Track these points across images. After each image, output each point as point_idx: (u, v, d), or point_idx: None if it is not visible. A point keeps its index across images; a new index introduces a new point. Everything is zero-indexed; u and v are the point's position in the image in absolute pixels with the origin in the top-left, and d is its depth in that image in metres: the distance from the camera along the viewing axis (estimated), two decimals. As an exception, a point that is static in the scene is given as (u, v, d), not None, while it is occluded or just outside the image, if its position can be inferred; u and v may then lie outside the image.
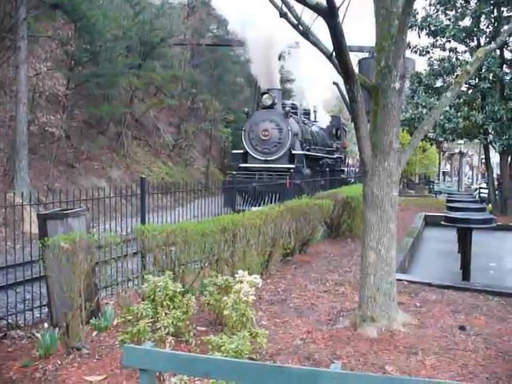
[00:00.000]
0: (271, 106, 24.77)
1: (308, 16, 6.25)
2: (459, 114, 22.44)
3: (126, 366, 4.20)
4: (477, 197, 27.68)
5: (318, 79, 34.53)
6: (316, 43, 6.82)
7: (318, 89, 36.07)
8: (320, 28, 6.56)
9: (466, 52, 23.66)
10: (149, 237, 7.50)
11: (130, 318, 6.20)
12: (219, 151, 42.48)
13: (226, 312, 6.22)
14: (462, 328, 7.19)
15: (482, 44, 22.34)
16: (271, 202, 18.18)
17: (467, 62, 14.05)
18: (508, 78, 22.12)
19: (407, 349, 6.40)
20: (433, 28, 22.97)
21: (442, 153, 51.63)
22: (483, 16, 22.30)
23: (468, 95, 23.40)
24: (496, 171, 31.56)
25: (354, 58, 27.52)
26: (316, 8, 5.74)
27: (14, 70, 20.54)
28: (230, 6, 28.37)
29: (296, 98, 33.92)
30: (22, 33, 19.62)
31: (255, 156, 24.43)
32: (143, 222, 9.64)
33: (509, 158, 24.02)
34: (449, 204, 16.21)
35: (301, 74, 34.12)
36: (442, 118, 21.58)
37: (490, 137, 22.95)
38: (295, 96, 35.65)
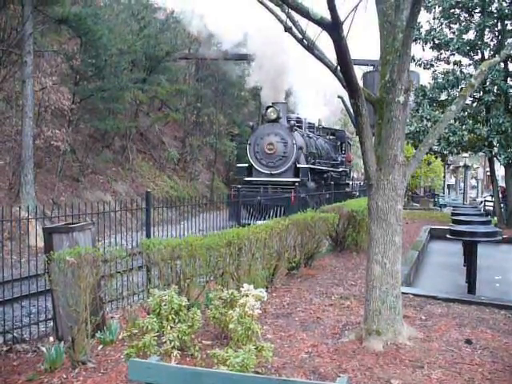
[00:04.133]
0: (276, 120, 24.85)
1: (313, 30, 6.29)
2: (464, 127, 22.46)
3: (132, 380, 4.19)
4: (482, 210, 27.63)
5: (318, 93, 34.68)
6: (321, 57, 6.85)
7: (319, 102, 36.21)
8: (324, 42, 6.61)
9: (470, 65, 23.75)
10: (154, 251, 7.51)
11: (136, 331, 6.21)
12: (224, 165, 42.55)
13: (231, 326, 6.22)
14: (468, 342, 7.16)
15: (486, 57, 22.39)
16: (276, 216, 18.19)
17: (471, 75, 14.09)
18: (512, 90, 22.17)
19: (413, 362, 6.38)
20: (437, 41, 23.08)
21: (446, 166, 51.58)
22: (487, 29, 22.39)
23: (473, 108, 23.44)
24: (501, 184, 31.52)
25: (359, 72, 27.60)
26: (320, 22, 5.77)
27: (20, 85, 20.66)
28: (236, 20, 28.51)
29: (300, 112, 33.98)
30: (28, 47, 19.75)
31: (260, 170, 24.49)
32: (148, 235, 9.66)
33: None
34: (454, 217, 16.20)
35: (303, 88, 34.22)
36: (446, 131, 21.61)
37: (495, 149, 22.96)
38: (300, 109, 35.71)
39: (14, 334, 7.86)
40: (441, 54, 23.88)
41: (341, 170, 34.49)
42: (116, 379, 5.87)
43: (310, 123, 31.02)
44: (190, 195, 25.20)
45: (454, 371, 6.13)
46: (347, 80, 6.51)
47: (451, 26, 23.42)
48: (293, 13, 6.51)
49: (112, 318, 8.18)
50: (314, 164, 26.87)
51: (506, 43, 21.38)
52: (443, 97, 24.03)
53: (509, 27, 22.33)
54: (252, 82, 34.34)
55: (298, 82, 32.60)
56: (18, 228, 13.11)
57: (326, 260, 13.50)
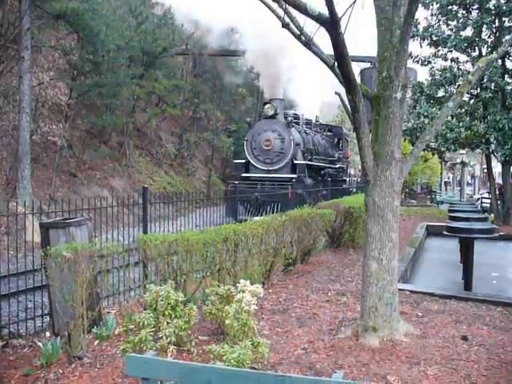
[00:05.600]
0: (273, 116, 24.84)
1: (310, 26, 6.28)
2: (461, 123, 22.47)
3: (128, 375, 4.20)
4: (479, 207, 27.65)
5: (315, 90, 34.62)
6: (318, 54, 6.84)
7: (316, 99, 36.16)
8: (322, 38, 6.60)
9: (467, 62, 23.70)
10: (151, 246, 7.50)
11: (132, 327, 6.21)
12: (221, 161, 42.53)
13: (227, 321, 6.22)
14: (465, 338, 7.18)
15: (484, 54, 22.37)
16: (273, 212, 18.16)
17: (469, 72, 14.09)
18: (510, 87, 22.18)
19: (409, 359, 6.39)
20: (434, 38, 23.04)
21: (443, 163, 51.50)
22: (485, 26, 22.35)
23: (470, 105, 23.42)
24: (498, 181, 31.55)
25: (356, 68, 27.63)
26: (318, 18, 5.76)
27: (17, 80, 20.61)
28: (231, 13, 28.45)
29: (297, 108, 33.96)
30: (25, 43, 19.71)
31: (257, 166, 24.48)
32: (145, 231, 9.64)
33: (511, 168, 23.99)
34: (451, 214, 16.21)
35: (301, 84, 34.17)
36: (443, 127, 21.60)
37: (492, 146, 22.97)
38: (297, 106, 35.67)
39: (11, 329, 7.84)
40: (438, 50, 23.83)
41: (338, 166, 34.49)
42: (112, 374, 5.87)
43: (307, 119, 30.98)
44: (187, 191, 25.17)
45: (450, 367, 6.14)
46: (345, 76, 6.50)
47: (449, 22, 23.36)
48: (290, 9, 6.50)
49: (108, 313, 8.17)
50: (311, 160, 26.86)
51: (503, 40, 21.32)
52: (440, 93, 24.02)
53: (506, 24, 22.30)
54: (250, 77, 34.34)
55: (296, 78, 32.54)
56: (14, 223, 13.08)
57: (323, 256, 13.51)
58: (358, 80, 7.40)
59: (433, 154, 35.16)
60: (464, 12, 23.23)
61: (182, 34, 36.07)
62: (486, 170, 34.30)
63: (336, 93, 8.14)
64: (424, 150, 20.35)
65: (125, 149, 30.26)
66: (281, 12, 6.74)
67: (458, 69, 23.28)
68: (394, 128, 7.10)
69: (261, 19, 21.26)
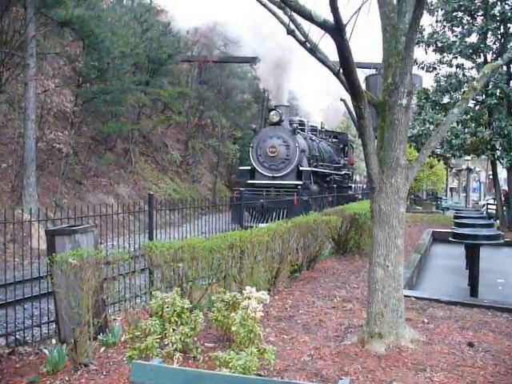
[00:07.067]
0: (278, 123, 24.89)
1: (315, 33, 6.29)
2: (466, 130, 22.45)
3: (134, 382, 4.19)
4: (484, 213, 27.58)
5: (320, 96, 34.71)
6: (323, 60, 6.86)
7: (321, 105, 36.24)
8: (327, 45, 6.62)
9: (472, 68, 23.69)
10: (157, 253, 7.51)
11: (138, 334, 6.21)
12: (227, 168, 42.57)
13: (233, 328, 6.22)
14: (471, 344, 7.15)
15: (489, 60, 22.36)
16: (279, 219, 18.17)
17: (474, 78, 14.07)
18: (515, 93, 22.14)
19: (415, 365, 6.37)
20: (440, 44, 23.05)
21: (449, 169, 51.40)
22: (490, 32, 22.34)
23: (475, 111, 23.38)
24: (503, 187, 31.47)
25: (361, 75, 27.67)
26: (323, 25, 5.76)
27: (22, 87, 20.69)
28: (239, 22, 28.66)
29: (303, 115, 34.01)
30: (31, 50, 19.79)
31: (263, 172, 24.51)
32: (151, 238, 9.65)
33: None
34: (456, 220, 16.17)
35: (306, 91, 34.28)
36: (449, 134, 21.58)
37: (498, 153, 22.89)
38: (302, 112, 35.73)
39: (17, 336, 7.86)
40: (443, 57, 23.84)
41: (343, 172, 34.51)
42: (118, 381, 5.87)
43: (312, 126, 31.04)
44: (192, 198, 25.19)
45: (456, 374, 6.12)
46: (350, 83, 6.50)
47: (454, 29, 23.38)
48: (295, 15, 6.51)
49: (114, 320, 8.18)
50: (316, 167, 26.89)
51: (508, 46, 21.35)
52: (446, 100, 23.99)
53: (511, 30, 22.29)
54: (256, 84, 34.39)
55: (301, 85, 32.66)
56: (20, 230, 13.12)
57: (329, 263, 13.49)
58: (363, 86, 7.40)
59: (438, 161, 35.07)
60: (469, 18, 23.24)
61: (187, 41, 36.19)
62: (491, 177, 34.23)
63: (341, 99, 8.17)
64: (429, 156, 20.32)
65: (130, 156, 30.33)
66: (286, 19, 6.76)
67: (463, 75, 23.28)
68: (400, 134, 7.10)
69: (263, 23, 21.36)
